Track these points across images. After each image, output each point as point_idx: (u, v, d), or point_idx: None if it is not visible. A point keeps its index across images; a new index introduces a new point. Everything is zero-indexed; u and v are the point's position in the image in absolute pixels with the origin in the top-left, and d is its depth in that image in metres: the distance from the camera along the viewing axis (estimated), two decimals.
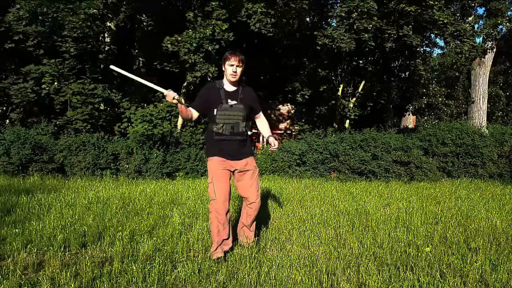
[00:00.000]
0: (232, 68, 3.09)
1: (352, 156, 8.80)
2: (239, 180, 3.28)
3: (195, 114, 3.22)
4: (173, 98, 2.92)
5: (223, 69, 3.18)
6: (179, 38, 8.87)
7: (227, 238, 3.16)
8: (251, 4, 8.92)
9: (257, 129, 3.52)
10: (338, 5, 11.49)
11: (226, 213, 3.10)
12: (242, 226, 3.43)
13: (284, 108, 19.21)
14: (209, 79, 9.43)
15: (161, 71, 11.09)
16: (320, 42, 9.70)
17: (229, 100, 3.12)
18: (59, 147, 8.36)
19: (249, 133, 3.31)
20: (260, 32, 9.40)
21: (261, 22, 8.93)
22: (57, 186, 6.60)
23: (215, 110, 3.11)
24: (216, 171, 3.14)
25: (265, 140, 13.55)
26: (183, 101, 3.03)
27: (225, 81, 3.21)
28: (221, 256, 3.06)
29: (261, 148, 11.14)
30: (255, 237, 3.48)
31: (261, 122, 3.46)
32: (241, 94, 3.19)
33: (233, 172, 3.24)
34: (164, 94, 2.98)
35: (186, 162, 8.85)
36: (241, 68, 3.12)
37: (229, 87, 3.18)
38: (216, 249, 3.10)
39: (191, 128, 10.04)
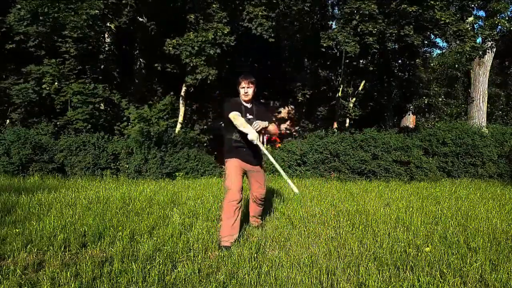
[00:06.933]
0: (244, 90, 3.68)
1: (352, 156, 8.80)
2: (251, 179, 3.88)
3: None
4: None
5: (238, 91, 3.73)
6: (180, 41, 8.87)
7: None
8: (252, 7, 8.92)
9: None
10: (340, 5, 11.41)
11: (239, 202, 3.59)
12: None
13: (284, 110, 19.26)
14: (209, 82, 9.44)
15: (161, 73, 11.09)
16: (325, 44, 9.68)
17: (247, 115, 3.70)
18: (59, 147, 8.36)
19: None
20: (261, 35, 9.39)
21: (262, 26, 8.92)
22: (57, 186, 6.60)
23: None
24: (232, 168, 3.69)
25: (265, 140, 13.61)
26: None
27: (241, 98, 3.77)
28: (229, 246, 3.41)
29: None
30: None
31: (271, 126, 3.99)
32: (255, 110, 3.78)
33: (246, 172, 3.80)
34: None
35: (186, 162, 8.85)
36: (252, 89, 3.69)
37: (246, 104, 3.76)
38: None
39: (188, 129, 10.05)
